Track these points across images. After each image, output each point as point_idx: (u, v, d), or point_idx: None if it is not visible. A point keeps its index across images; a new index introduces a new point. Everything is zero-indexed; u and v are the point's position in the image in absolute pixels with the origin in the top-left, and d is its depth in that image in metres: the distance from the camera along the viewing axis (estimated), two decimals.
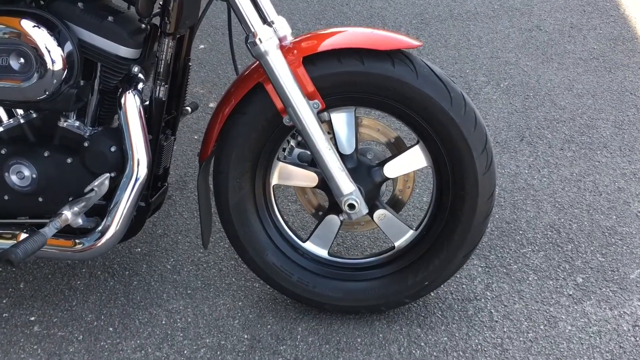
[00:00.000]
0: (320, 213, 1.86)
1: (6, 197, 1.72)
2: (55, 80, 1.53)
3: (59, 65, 1.52)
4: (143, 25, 1.62)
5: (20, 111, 1.71)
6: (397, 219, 1.77)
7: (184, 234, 2.19)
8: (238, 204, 1.73)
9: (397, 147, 1.77)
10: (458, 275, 1.96)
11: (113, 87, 1.64)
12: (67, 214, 1.61)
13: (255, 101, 1.63)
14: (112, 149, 1.65)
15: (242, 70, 1.71)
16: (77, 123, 1.70)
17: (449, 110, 1.56)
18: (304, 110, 1.55)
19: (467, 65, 3.18)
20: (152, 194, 1.79)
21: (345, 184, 1.61)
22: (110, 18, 1.57)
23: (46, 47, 1.51)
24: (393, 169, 1.70)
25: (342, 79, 1.57)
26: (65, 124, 1.69)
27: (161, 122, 1.71)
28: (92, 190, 1.61)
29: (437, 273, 1.72)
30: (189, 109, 1.88)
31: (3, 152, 1.69)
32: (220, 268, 2.05)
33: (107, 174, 1.62)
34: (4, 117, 1.72)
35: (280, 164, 1.75)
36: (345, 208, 1.63)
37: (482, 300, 1.89)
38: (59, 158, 1.68)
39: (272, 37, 1.52)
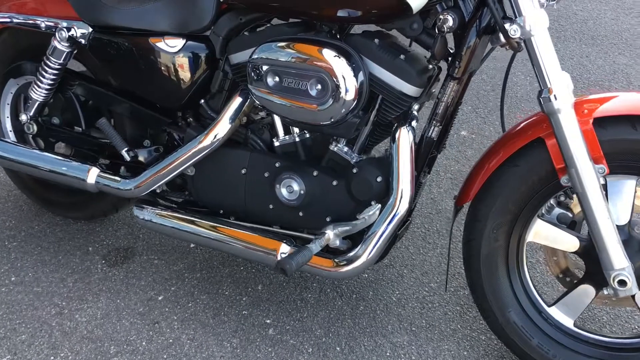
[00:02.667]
0: (568, 278, 1.77)
1: (271, 206, 1.87)
2: (344, 109, 1.63)
3: (351, 95, 1.62)
4: (430, 67, 1.67)
5: (296, 130, 1.85)
6: None
7: (409, 269, 2.21)
8: (489, 256, 1.70)
9: None
10: None
11: (388, 121, 1.71)
12: (330, 234, 1.69)
13: (531, 155, 1.59)
14: (378, 179, 1.71)
15: (514, 124, 1.69)
16: (345, 149, 1.79)
17: None
18: (588, 174, 1.48)
19: None
20: (399, 227, 1.83)
21: (619, 258, 1.51)
22: (402, 56, 1.63)
23: (343, 77, 1.61)
24: None
25: (635, 146, 1.48)
26: (335, 148, 1.79)
27: (426, 160, 1.74)
28: (359, 217, 1.68)
29: None
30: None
31: (277, 164, 1.84)
32: (446, 312, 2.03)
33: (379, 205, 1.67)
34: (281, 133, 1.88)
35: (540, 222, 1.69)
36: (615, 284, 1.52)
37: None
38: (326, 179, 1.78)
39: (568, 93, 1.48)
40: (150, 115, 2.01)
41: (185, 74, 1.90)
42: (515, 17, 1.47)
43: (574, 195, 1.65)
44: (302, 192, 1.79)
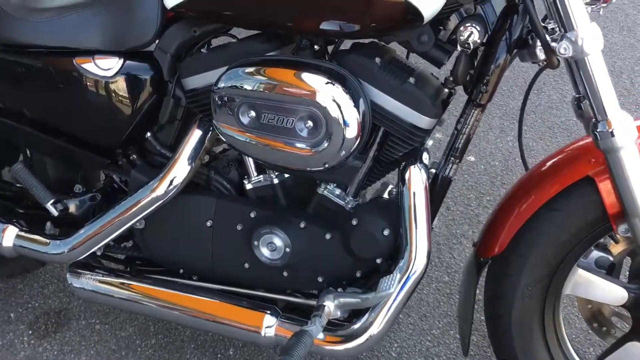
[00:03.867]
0: (604, 328, 1.51)
1: (246, 265, 1.50)
2: (343, 151, 1.27)
3: (352, 133, 1.26)
4: (445, 91, 1.34)
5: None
6: None
7: (404, 312, 1.90)
8: (523, 316, 1.41)
9: None
10: None
11: (394, 158, 1.37)
12: (331, 307, 1.34)
13: (575, 197, 1.30)
14: (385, 232, 1.37)
15: (538, 161, 1.39)
16: (337, 191, 1.43)
17: None
18: None
19: None
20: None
21: None
22: (411, 80, 1.29)
23: (340, 110, 1.24)
24: None
25: None
26: (325, 192, 1.43)
27: (441, 203, 1.42)
28: (376, 293, 1.33)
29: None
30: None
31: (252, 214, 1.46)
32: None
33: (397, 276, 1.32)
34: (253, 172, 1.50)
35: (580, 271, 1.40)
36: None
37: None
38: (317, 232, 1.42)
39: (631, 127, 1.18)
40: (81, 155, 1.58)
41: (125, 103, 1.47)
42: (565, 31, 1.15)
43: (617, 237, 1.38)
44: (287, 249, 1.43)
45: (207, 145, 1.48)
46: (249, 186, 1.50)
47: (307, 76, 1.26)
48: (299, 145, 1.28)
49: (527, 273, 1.37)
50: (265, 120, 1.29)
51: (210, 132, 1.47)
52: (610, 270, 1.44)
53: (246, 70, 1.30)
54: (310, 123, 1.27)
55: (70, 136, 1.56)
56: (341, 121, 1.24)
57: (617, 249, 1.43)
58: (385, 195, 1.48)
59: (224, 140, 1.39)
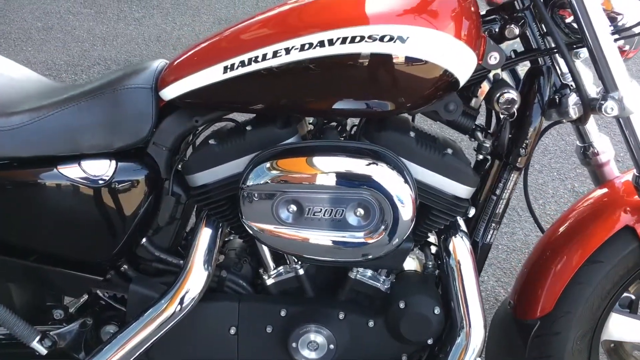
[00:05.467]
0: None
1: None
2: (400, 235, 1.18)
3: (408, 212, 1.16)
4: (480, 157, 1.30)
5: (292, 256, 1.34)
6: None
7: None
8: None
9: None
10: None
11: (433, 231, 1.31)
12: None
13: (616, 247, 1.31)
14: (436, 311, 1.29)
15: (564, 211, 1.41)
16: (369, 273, 1.34)
17: None
18: None
19: None
20: None
21: None
22: (449, 151, 1.24)
23: (392, 190, 1.15)
24: None
25: None
26: (357, 276, 1.34)
27: (481, 271, 1.37)
28: None
29: None
30: None
31: (283, 313, 1.32)
32: None
33: None
34: (271, 264, 1.36)
35: (616, 315, 1.42)
36: None
37: None
38: (358, 321, 1.32)
39: None
40: (65, 276, 1.33)
41: (119, 210, 1.28)
42: (607, 91, 1.17)
43: None
44: (331, 346, 1.30)
45: (219, 244, 1.32)
46: (269, 281, 1.36)
47: (349, 161, 1.17)
48: (352, 236, 1.17)
49: (575, 328, 1.36)
50: (310, 214, 1.17)
51: (220, 229, 1.32)
52: (630, 307, 1.48)
53: (278, 163, 1.17)
54: (361, 211, 1.16)
55: (52, 257, 1.32)
56: (396, 202, 1.15)
57: (635, 286, 1.48)
58: (413, 268, 1.41)
59: (259, 239, 1.24)
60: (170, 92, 1.21)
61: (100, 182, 1.24)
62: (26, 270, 1.33)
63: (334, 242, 1.18)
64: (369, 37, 1.08)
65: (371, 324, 1.32)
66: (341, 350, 1.31)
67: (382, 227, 1.16)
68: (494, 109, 1.22)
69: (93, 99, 1.24)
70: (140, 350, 1.28)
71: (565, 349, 1.38)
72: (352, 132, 1.32)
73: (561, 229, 1.40)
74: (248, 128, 1.25)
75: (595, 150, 1.39)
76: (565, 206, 2.48)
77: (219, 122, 1.32)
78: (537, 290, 1.37)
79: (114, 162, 1.25)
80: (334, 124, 1.31)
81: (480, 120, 1.31)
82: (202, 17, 4.10)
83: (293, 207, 1.17)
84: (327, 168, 1.16)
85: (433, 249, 1.41)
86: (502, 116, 1.21)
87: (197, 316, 1.32)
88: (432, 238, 1.39)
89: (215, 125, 1.33)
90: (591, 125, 1.39)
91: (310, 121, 1.36)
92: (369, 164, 1.16)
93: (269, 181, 1.16)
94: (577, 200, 1.50)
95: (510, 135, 1.27)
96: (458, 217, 1.30)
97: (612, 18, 1.20)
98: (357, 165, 1.16)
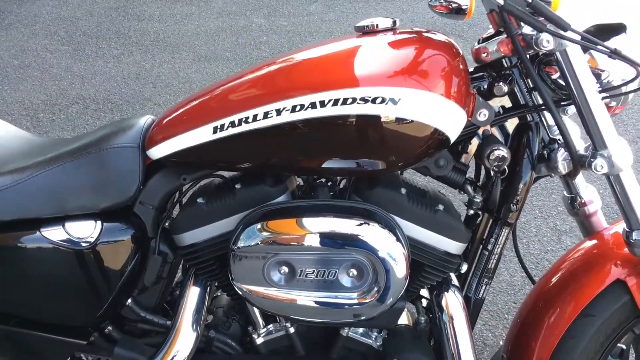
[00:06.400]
0: None
1: None
2: (394, 294, 1.16)
3: (402, 271, 1.15)
4: (471, 212, 1.30)
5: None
6: None
7: None
8: None
9: None
10: None
11: (424, 287, 1.29)
12: None
13: (607, 300, 1.31)
14: None
15: (549, 272, 1.40)
16: (360, 329, 1.32)
17: None
18: None
19: None
20: None
21: None
22: (440, 207, 1.23)
23: (385, 249, 1.13)
24: None
25: None
26: (349, 333, 1.31)
27: (474, 325, 1.36)
28: None
29: None
30: None
31: None
32: None
33: None
34: (260, 322, 1.33)
35: None
36: None
37: None
38: None
39: None
40: (46, 342, 1.29)
41: (104, 272, 1.24)
42: (596, 149, 1.18)
43: None
44: None
45: (207, 304, 1.29)
46: (259, 340, 1.33)
47: (340, 222, 1.15)
48: (345, 297, 1.15)
49: None
50: (302, 275, 1.15)
51: (208, 288, 1.29)
52: (621, 356, 1.48)
53: (269, 224, 1.15)
54: (354, 271, 1.15)
55: (33, 321, 1.27)
56: (389, 261, 1.14)
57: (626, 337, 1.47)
58: (405, 322, 1.39)
59: (250, 301, 1.21)
60: (158, 152, 1.19)
61: (85, 244, 1.21)
62: (4, 334, 1.29)
63: (326, 303, 1.16)
64: (361, 99, 1.07)
65: None
66: None
67: (376, 287, 1.15)
68: (485, 165, 1.22)
69: (79, 159, 1.21)
70: None
71: None
72: (342, 187, 1.32)
73: (553, 280, 1.39)
74: (237, 186, 1.23)
75: (583, 201, 1.39)
76: (548, 245, 2.50)
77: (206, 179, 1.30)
78: (531, 343, 1.36)
79: (99, 222, 1.22)
80: (324, 180, 1.30)
81: (469, 172, 1.31)
82: (181, 54, 4.10)
83: (285, 269, 1.15)
84: (318, 229, 1.14)
85: (424, 302, 1.40)
86: (492, 173, 1.21)
87: None
88: (423, 291, 1.38)
89: (203, 181, 1.31)
90: (578, 177, 1.40)
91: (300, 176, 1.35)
92: (361, 224, 1.15)
93: (259, 242, 1.14)
94: (566, 250, 1.51)
95: (501, 189, 1.27)
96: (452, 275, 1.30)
97: (597, 75, 1.21)
98: (349, 226, 1.14)
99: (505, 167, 1.20)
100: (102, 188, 1.21)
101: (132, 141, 1.21)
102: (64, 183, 1.20)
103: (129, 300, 1.30)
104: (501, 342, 1.74)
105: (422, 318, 1.35)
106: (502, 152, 1.19)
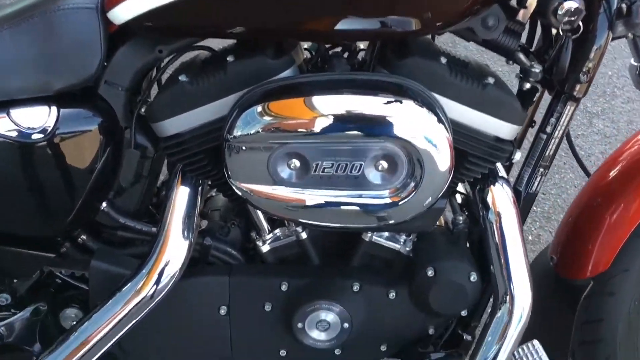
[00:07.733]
0: None
1: (282, 353, 1.12)
2: (436, 189, 0.92)
3: (445, 161, 0.90)
4: (528, 86, 1.03)
5: None
6: None
7: None
8: (629, 335, 1.19)
9: None
10: None
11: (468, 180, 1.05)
12: None
13: None
14: (472, 278, 1.06)
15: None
16: (386, 233, 1.10)
17: None
18: None
19: None
20: None
21: None
22: (490, 80, 0.96)
23: (424, 135, 0.88)
24: None
25: None
26: (373, 237, 1.09)
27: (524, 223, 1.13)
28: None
29: None
30: None
31: (284, 287, 1.08)
32: None
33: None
34: (265, 225, 1.10)
35: None
36: None
37: None
38: (377, 292, 1.08)
39: None
40: (11, 255, 1.06)
41: (68, 170, 1.00)
42: None
43: None
44: (345, 325, 1.07)
45: (201, 207, 1.06)
46: (265, 248, 1.10)
47: (365, 99, 0.89)
48: (372, 196, 0.91)
49: (633, 288, 1.15)
50: (318, 170, 0.90)
51: (200, 187, 1.05)
52: None
53: (272, 106, 0.89)
54: (384, 163, 0.90)
55: None
56: (429, 149, 0.89)
57: None
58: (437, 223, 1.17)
59: (252, 204, 0.97)
60: (121, 13, 0.91)
61: (38, 135, 0.95)
62: None
63: (350, 204, 0.92)
64: None
65: (392, 295, 1.08)
66: (357, 328, 1.07)
67: (412, 183, 0.90)
68: (550, 22, 0.93)
69: (18, 26, 0.93)
70: (112, 342, 1.03)
71: (620, 313, 1.17)
72: (362, 59, 1.04)
73: (612, 173, 1.17)
74: (229, 59, 0.95)
75: None
76: (579, 129, 2.23)
77: (190, 52, 1.02)
78: (588, 245, 1.14)
79: (54, 108, 0.96)
80: (339, 49, 1.02)
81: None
82: None
83: (295, 163, 0.90)
84: (337, 110, 0.88)
85: (458, 198, 1.17)
86: (562, 32, 0.93)
87: (178, 295, 1.06)
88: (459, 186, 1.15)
89: (186, 55, 1.03)
90: None
91: (306, 46, 1.08)
92: (391, 101, 0.88)
93: (261, 130, 0.88)
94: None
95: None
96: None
97: None
98: (376, 105, 0.88)
99: (580, 24, 0.92)
100: (53, 63, 0.94)
101: (87, 0, 0.93)
102: (2, 58, 0.92)
103: (104, 205, 1.06)
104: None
105: (460, 217, 1.11)
106: (575, 3, 0.91)
